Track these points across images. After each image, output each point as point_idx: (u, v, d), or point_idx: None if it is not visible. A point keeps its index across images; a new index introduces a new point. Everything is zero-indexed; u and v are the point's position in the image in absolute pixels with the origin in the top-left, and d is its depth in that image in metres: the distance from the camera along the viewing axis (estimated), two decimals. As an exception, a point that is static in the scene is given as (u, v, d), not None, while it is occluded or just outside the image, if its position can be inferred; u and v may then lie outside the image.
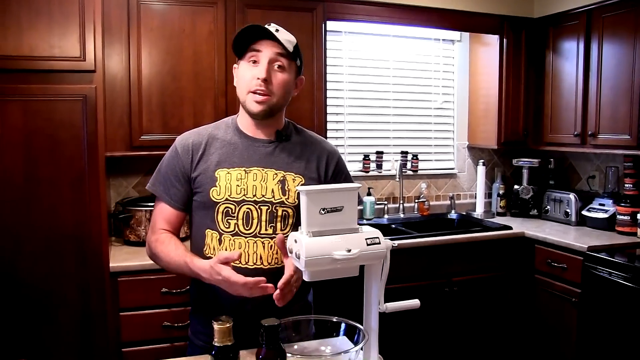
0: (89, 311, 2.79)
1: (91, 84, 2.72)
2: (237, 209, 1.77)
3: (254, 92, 1.77)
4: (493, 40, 4.21)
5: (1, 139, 2.60)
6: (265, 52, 1.76)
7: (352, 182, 1.99)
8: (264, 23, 1.79)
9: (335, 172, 1.95)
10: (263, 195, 1.79)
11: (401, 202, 4.29)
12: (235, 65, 1.88)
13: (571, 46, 3.90)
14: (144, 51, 3.13)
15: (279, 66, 1.79)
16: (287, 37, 1.78)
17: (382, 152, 4.25)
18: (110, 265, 2.83)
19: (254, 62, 1.77)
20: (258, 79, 1.75)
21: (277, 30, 1.76)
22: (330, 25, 3.81)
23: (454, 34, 4.50)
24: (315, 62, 3.48)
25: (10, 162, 2.62)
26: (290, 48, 1.78)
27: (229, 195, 1.77)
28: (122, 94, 3.12)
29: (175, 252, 1.77)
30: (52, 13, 2.64)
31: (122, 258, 2.95)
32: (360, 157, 4.22)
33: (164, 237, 1.83)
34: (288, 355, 1.37)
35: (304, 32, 3.40)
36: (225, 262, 1.58)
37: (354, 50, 4.24)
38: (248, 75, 1.77)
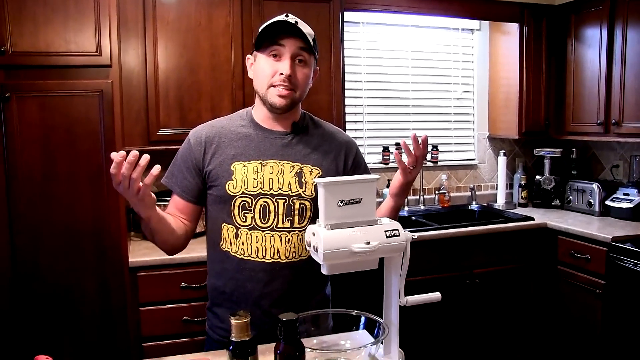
0: (109, 306, 2.79)
1: (107, 79, 2.71)
2: (253, 203, 1.75)
3: (277, 87, 1.75)
4: (513, 28, 4.15)
5: (19, 135, 2.60)
6: (289, 47, 1.73)
7: (370, 172, 1.98)
8: (281, 14, 1.77)
9: (355, 163, 1.93)
10: (280, 188, 1.77)
11: (421, 193, 4.26)
12: (249, 57, 1.86)
13: (594, 33, 3.82)
14: (160, 45, 3.12)
15: (301, 60, 1.77)
16: (308, 31, 1.76)
17: (401, 144, 4.21)
18: (130, 260, 2.83)
19: (275, 56, 1.74)
20: (282, 74, 1.73)
21: (295, 23, 1.74)
22: (348, 16, 3.77)
23: (473, 23, 4.45)
24: (333, 54, 3.45)
25: (29, 158, 2.63)
26: (311, 42, 1.76)
27: (245, 189, 1.75)
28: (139, 89, 3.11)
29: None
30: (68, 8, 2.64)
31: (141, 253, 2.95)
32: (380, 149, 4.19)
33: None
34: (307, 349, 1.35)
35: (321, 23, 3.37)
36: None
37: (372, 41, 4.20)
38: (269, 70, 1.75)
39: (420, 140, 1.69)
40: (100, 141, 2.71)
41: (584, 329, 3.52)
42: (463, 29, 4.45)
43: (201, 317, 2.89)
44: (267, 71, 1.75)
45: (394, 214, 1.83)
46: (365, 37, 4.17)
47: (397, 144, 4.19)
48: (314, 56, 1.81)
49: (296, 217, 1.78)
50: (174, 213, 1.85)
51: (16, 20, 2.58)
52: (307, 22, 1.79)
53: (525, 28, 4.08)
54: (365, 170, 1.96)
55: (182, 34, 3.15)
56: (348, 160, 1.91)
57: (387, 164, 4.16)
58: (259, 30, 1.77)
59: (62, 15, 2.63)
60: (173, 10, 3.13)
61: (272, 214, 1.76)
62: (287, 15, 1.75)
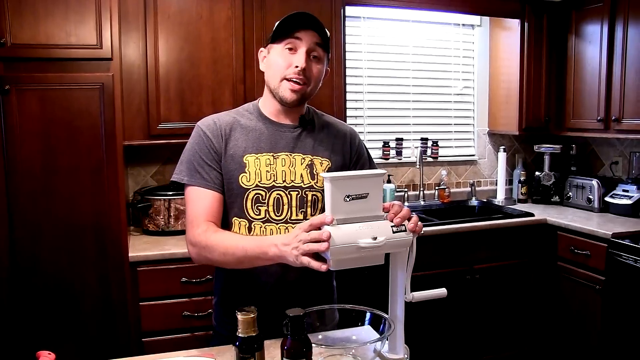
0: (110, 301, 2.78)
1: (108, 72, 2.70)
2: (267, 195, 1.74)
3: (290, 80, 1.73)
4: (514, 24, 4.14)
5: (19, 128, 2.59)
6: (305, 40, 1.72)
7: (373, 160, 1.99)
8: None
9: (358, 152, 1.94)
10: (292, 181, 1.76)
11: (421, 189, 4.25)
12: (262, 50, 1.84)
13: (595, 29, 3.81)
14: (161, 38, 3.10)
15: (315, 56, 1.75)
16: (324, 28, 1.75)
17: (401, 139, 4.21)
18: (130, 255, 2.81)
19: (290, 49, 1.73)
20: (296, 67, 1.71)
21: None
22: (349, 10, 3.75)
23: (474, 19, 4.44)
24: (334, 48, 3.43)
25: (29, 152, 2.61)
26: (328, 37, 1.75)
27: (259, 182, 1.74)
28: (139, 82, 3.09)
29: (231, 235, 1.67)
30: (68, 0, 2.61)
31: (141, 248, 2.94)
32: (380, 144, 4.18)
33: (214, 227, 1.70)
34: (312, 345, 1.34)
35: (323, 18, 3.28)
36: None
37: (373, 36, 4.19)
38: (283, 62, 1.73)
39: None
40: (100, 135, 2.69)
41: (584, 324, 3.52)
42: (464, 25, 4.44)
43: (202, 312, 2.88)
44: (281, 63, 1.73)
45: None
46: (366, 32, 4.15)
47: (398, 139, 4.18)
48: (327, 55, 1.80)
49: (309, 209, 1.78)
50: (212, 219, 1.72)
51: (16, 12, 2.56)
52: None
53: (526, 24, 4.07)
54: (368, 158, 1.97)
55: (183, 27, 3.13)
56: (352, 150, 1.92)
57: (388, 159, 4.16)
58: (277, 23, 1.75)
59: (63, 8, 2.61)
60: (174, 3, 3.11)
61: (286, 207, 1.75)
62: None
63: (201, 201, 1.74)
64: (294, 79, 1.72)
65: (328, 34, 1.77)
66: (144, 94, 3.11)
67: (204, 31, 3.17)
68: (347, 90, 3.61)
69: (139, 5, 3.05)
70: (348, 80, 3.74)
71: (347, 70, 3.60)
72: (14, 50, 2.57)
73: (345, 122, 3.46)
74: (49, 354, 1.41)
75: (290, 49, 1.73)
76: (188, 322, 2.90)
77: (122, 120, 2.80)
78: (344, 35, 3.51)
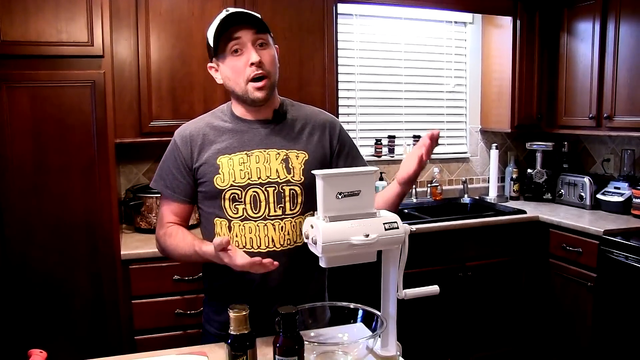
0: (101, 299, 2.77)
1: (100, 70, 2.68)
2: (243, 194, 1.75)
3: (252, 80, 1.74)
4: (506, 22, 4.15)
5: (9, 126, 2.57)
6: (245, 36, 1.72)
7: (358, 149, 1.98)
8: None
9: (340, 141, 1.92)
10: (268, 177, 1.76)
11: (413, 186, 4.25)
12: (210, 65, 1.84)
13: (587, 27, 3.82)
14: (152, 36, 3.09)
15: (262, 44, 1.76)
16: (256, 14, 1.75)
17: (394, 137, 4.21)
18: (122, 252, 2.81)
19: (236, 51, 1.73)
20: (252, 64, 1.72)
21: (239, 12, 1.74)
22: (341, 7, 3.74)
23: (466, 16, 4.44)
24: (327, 46, 3.43)
25: (19, 149, 2.59)
26: (262, 21, 1.75)
27: (233, 181, 1.75)
28: (131, 80, 3.08)
29: (183, 242, 1.75)
30: (59, -3, 2.60)
31: (133, 246, 2.93)
32: (372, 142, 4.18)
33: (172, 230, 1.81)
34: (304, 342, 1.34)
35: (315, 15, 3.35)
36: (223, 249, 1.52)
37: (365, 34, 4.18)
38: (239, 66, 1.74)
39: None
40: (92, 133, 2.68)
41: (576, 321, 3.54)
42: (456, 22, 4.44)
43: (194, 310, 2.88)
44: (237, 69, 1.74)
45: (400, 200, 1.83)
46: (358, 29, 4.15)
47: (390, 137, 4.18)
48: (269, 34, 1.80)
49: (287, 204, 1.77)
50: (174, 220, 1.84)
51: (6, 9, 2.54)
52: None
53: (518, 21, 4.07)
54: (351, 146, 1.95)
55: (174, 25, 3.12)
56: (333, 140, 1.90)
57: (380, 156, 4.15)
58: (209, 36, 1.77)
59: (54, 4, 2.59)
60: (165, 0, 3.09)
61: (263, 203, 1.75)
62: (227, 10, 1.74)
63: (164, 206, 1.87)
64: (256, 77, 1.73)
65: (259, 16, 1.75)
66: (136, 91, 3.10)
67: (196, 28, 3.15)
68: (339, 87, 3.60)
69: (130, 2, 3.03)
70: (340, 77, 3.73)
71: (339, 67, 3.59)
72: (4, 47, 2.55)
73: (337, 118, 3.46)
74: (41, 352, 1.41)
75: (236, 52, 1.73)
76: (180, 320, 2.90)
77: (113, 118, 2.78)
78: (336, 32, 3.49)
